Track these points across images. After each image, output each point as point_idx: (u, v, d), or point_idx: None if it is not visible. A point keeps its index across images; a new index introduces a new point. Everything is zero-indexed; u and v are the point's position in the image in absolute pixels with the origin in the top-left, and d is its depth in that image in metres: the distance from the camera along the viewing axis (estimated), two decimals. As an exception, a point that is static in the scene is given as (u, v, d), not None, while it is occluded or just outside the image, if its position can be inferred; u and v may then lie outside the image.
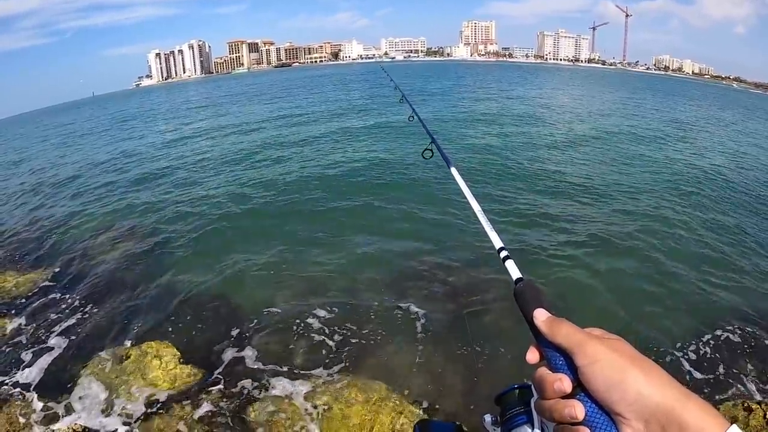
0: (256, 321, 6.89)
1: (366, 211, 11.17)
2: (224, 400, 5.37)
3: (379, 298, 7.33)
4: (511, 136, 20.95)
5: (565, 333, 0.78)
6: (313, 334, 6.48)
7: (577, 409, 0.71)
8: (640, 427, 0.66)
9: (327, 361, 5.96)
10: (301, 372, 5.77)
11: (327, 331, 6.56)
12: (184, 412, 5.16)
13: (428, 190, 12.37)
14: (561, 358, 0.78)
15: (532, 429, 0.83)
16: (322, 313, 7.01)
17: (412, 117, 3.31)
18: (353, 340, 6.35)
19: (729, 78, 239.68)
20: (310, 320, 6.81)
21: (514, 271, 0.98)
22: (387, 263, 8.44)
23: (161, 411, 5.24)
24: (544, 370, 0.79)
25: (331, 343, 6.31)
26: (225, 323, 6.87)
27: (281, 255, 8.97)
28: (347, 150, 18.26)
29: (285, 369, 5.85)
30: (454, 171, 1.70)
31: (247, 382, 5.65)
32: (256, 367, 5.92)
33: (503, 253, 1.07)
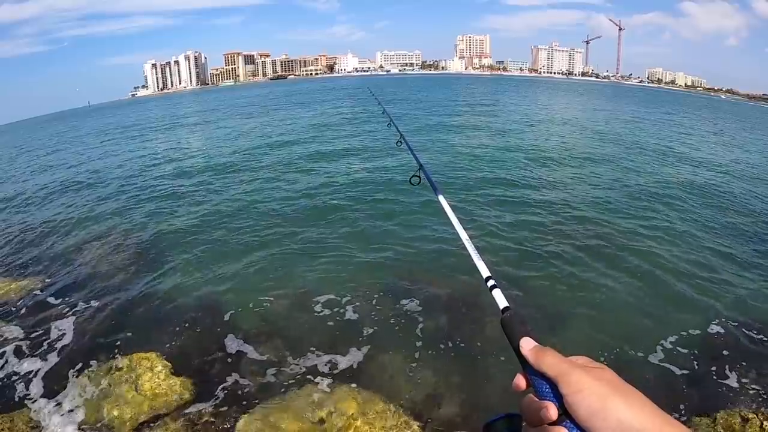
0: (249, 332, 6.85)
1: (362, 227, 11.15)
2: (217, 412, 5.32)
3: (376, 312, 7.31)
4: (505, 150, 21.01)
5: (549, 362, 0.80)
6: (308, 347, 6.44)
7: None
8: None
9: (323, 373, 5.92)
10: (296, 384, 5.72)
11: (322, 343, 6.52)
12: (176, 425, 5.12)
13: (430, 207, 12.39)
14: (547, 385, 0.80)
15: None
16: (317, 325, 7.00)
17: (400, 142, 3.27)
18: (349, 353, 6.31)
19: (721, 90, 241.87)
20: (305, 333, 6.79)
21: (500, 300, 1.01)
22: (382, 278, 8.43)
23: (153, 423, 5.19)
24: (530, 398, 0.82)
25: (326, 355, 6.28)
26: (218, 334, 6.83)
27: (276, 268, 8.93)
28: (342, 169, 18.24)
29: (279, 381, 5.81)
30: (441, 199, 1.70)
31: (240, 394, 5.60)
32: (249, 379, 5.87)
33: (490, 282, 1.09)
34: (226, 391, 5.67)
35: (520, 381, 0.87)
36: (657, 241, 10.17)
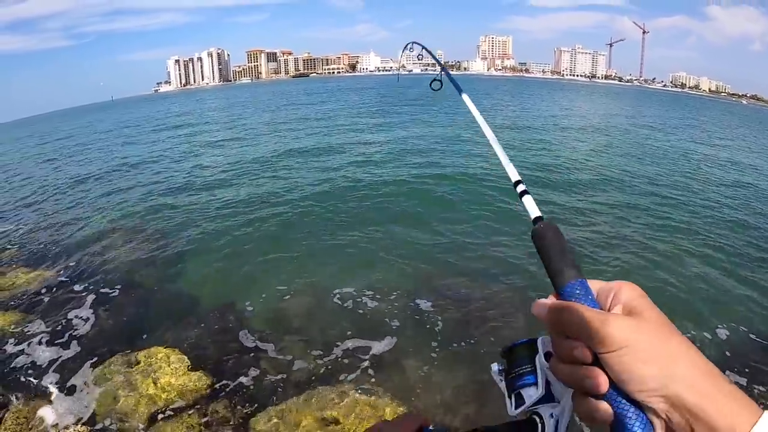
0: (267, 330, 6.85)
1: (383, 227, 11.10)
2: (232, 408, 5.32)
3: (393, 313, 7.25)
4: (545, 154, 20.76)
5: (576, 321, 0.66)
6: (324, 346, 6.42)
7: (600, 381, 0.63)
8: (665, 413, 0.60)
9: (338, 374, 5.88)
10: (311, 383, 5.70)
11: (339, 344, 6.49)
12: (192, 420, 5.13)
13: (448, 203, 12.33)
14: None
15: (538, 390, 0.76)
16: (334, 325, 6.96)
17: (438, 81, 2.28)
18: (365, 355, 6.27)
19: (746, 96, 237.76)
20: (322, 332, 6.77)
21: (532, 208, 0.87)
22: (401, 278, 8.38)
23: (169, 417, 5.21)
24: None
25: (342, 356, 6.25)
26: (236, 331, 6.84)
27: (295, 266, 8.94)
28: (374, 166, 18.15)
29: (294, 379, 5.79)
30: (465, 98, 1.54)
31: (256, 391, 5.60)
32: (265, 376, 5.87)
33: (520, 187, 0.94)
34: (242, 388, 5.67)
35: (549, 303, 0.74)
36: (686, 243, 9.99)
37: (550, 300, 0.73)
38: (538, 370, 0.77)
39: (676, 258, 9.49)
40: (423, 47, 2.58)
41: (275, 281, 8.33)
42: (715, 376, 0.59)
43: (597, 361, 0.64)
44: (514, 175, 1.00)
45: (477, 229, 10.59)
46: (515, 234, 10.21)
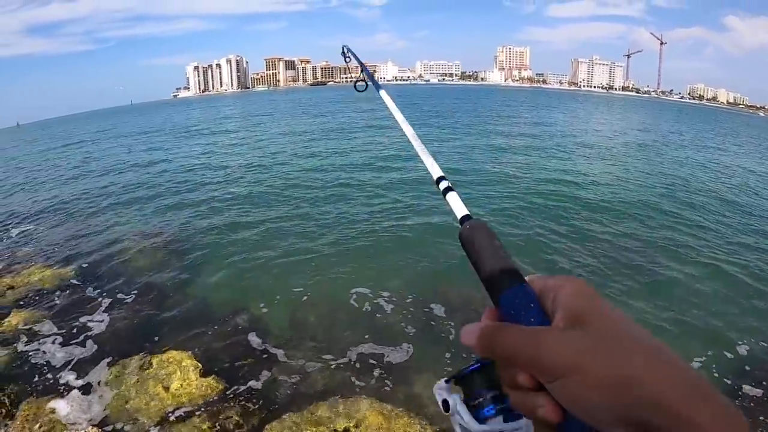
0: (279, 336, 6.81)
1: (399, 234, 11.08)
2: (243, 415, 5.27)
3: (406, 321, 7.18)
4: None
5: (510, 348, 0.55)
6: (338, 353, 6.35)
7: (551, 411, 0.52)
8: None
9: (352, 382, 5.81)
10: (323, 392, 5.63)
11: (353, 350, 6.42)
12: (203, 424, 5.08)
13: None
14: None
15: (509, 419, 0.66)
16: (347, 333, 6.90)
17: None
18: (380, 363, 6.19)
19: (764, 108, 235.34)
20: (334, 340, 6.71)
21: (458, 206, 0.77)
22: (415, 286, 8.29)
23: (181, 420, 5.17)
24: None
25: (356, 364, 6.18)
26: (249, 337, 6.80)
27: (310, 271, 8.92)
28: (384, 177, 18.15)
29: (306, 388, 5.73)
30: (383, 94, 1.53)
31: (267, 399, 5.54)
32: (277, 384, 5.81)
33: (443, 184, 0.84)
34: (253, 395, 5.61)
35: (488, 319, 0.63)
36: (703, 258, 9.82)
37: (482, 322, 0.62)
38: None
39: (696, 276, 9.34)
40: (349, 49, 2.54)
41: (289, 286, 8.31)
42: (694, 388, 0.45)
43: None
44: (435, 172, 0.90)
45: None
46: (536, 244, 10.11)
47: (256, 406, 5.44)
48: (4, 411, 5.24)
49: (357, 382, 5.83)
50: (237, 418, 5.21)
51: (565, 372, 0.49)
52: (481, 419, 0.66)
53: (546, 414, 0.52)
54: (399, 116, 1.28)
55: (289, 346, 6.57)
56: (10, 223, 13.92)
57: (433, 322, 7.12)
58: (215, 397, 5.54)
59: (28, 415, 5.23)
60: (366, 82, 2.02)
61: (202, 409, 5.35)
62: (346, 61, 2.57)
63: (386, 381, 5.87)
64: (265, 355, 6.39)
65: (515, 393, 0.56)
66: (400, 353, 6.40)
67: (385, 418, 5.12)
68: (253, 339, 6.73)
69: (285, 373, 6.01)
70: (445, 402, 0.69)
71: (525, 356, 0.52)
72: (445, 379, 0.71)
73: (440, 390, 0.70)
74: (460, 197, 0.79)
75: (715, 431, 0.43)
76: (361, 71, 2.05)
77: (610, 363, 0.47)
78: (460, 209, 0.76)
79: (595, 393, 0.47)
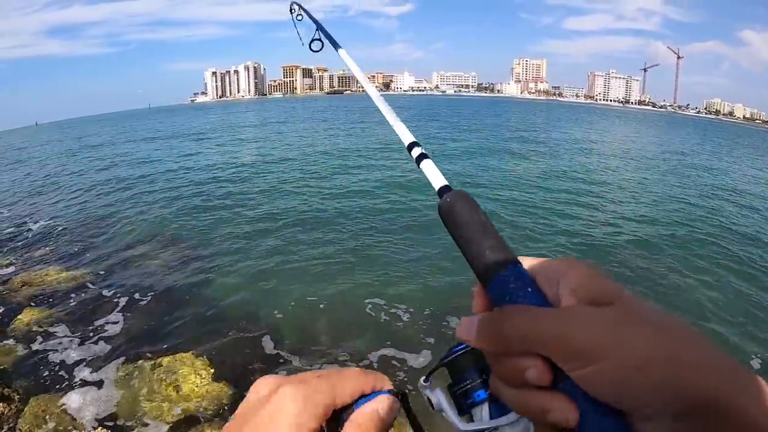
0: (294, 343, 6.70)
1: (418, 239, 10.97)
2: None
3: (424, 331, 7.06)
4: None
5: (524, 331, 0.45)
6: (354, 361, 6.24)
7: (571, 413, 0.43)
8: (666, 425, 0.40)
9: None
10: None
11: (369, 359, 6.32)
12: (213, 428, 5.01)
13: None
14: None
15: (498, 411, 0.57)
16: (365, 339, 6.80)
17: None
18: (396, 372, 6.05)
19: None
20: (351, 346, 6.59)
21: (435, 176, 0.67)
22: (436, 293, 8.19)
23: (189, 424, 5.10)
24: None
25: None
26: (262, 343, 6.70)
27: (326, 278, 8.84)
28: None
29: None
30: (342, 53, 1.43)
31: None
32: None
33: (416, 151, 0.74)
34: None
35: (479, 304, 0.55)
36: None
37: (477, 312, 0.54)
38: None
39: (709, 287, 9.13)
40: (299, 5, 2.21)
41: (305, 292, 8.20)
42: (739, 372, 0.41)
43: (560, 379, 0.44)
44: (407, 137, 0.80)
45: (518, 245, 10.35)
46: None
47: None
48: (13, 407, 5.19)
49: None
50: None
51: (603, 353, 0.41)
52: (469, 405, 0.59)
53: (562, 415, 0.43)
54: (362, 77, 1.24)
55: (302, 352, 6.47)
56: (30, 220, 14.05)
57: (450, 332, 6.98)
58: (226, 401, 5.45)
59: (37, 411, 5.19)
60: (321, 41, 1.86)
61: (212, 412, 5.28)
62: (295, 21, 2.27)
63: (403, 388, 5.73)
64: (278, 361, 6.30)
65: (518, 393, 0.47)
66: (418, 365, 6.26)
67: (396, 428, 4.99)
68: (267, 344, 6.64)
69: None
70: (428, 401, 0.63)
71: (550, 338, 0.43)
72: (424, 378, 0.65)
73: (422, 388, 0.65)
74: (436, 165, 0.69)
75: (763, 420, 0.38)
76: (317, 29, 1.86)
77: (655, 342, 0.41)
78: (437, 179, 0.66)
79: (644, 373, 0.39)
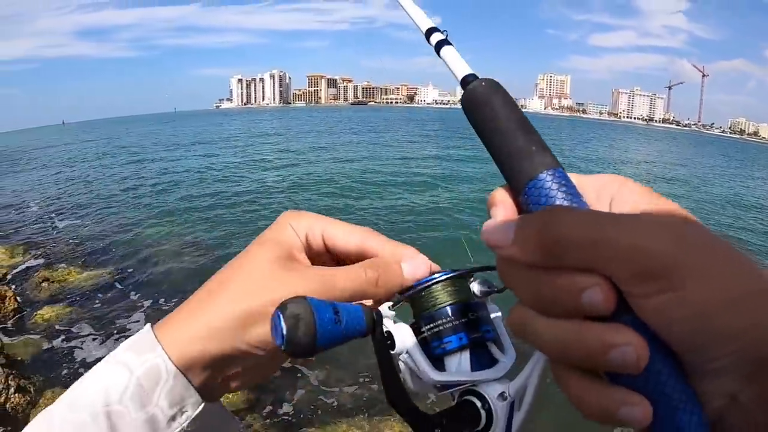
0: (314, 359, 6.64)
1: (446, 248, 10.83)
2: (267, 428, 5.17)
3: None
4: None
5: (582, 236, 0.32)
6: (368, 374, 6.14)
7: (641, 348, 0.31)
8: (735, 382, 0.30)
9: (384, 404, 5.59)
10: (350, 411, 5.47)
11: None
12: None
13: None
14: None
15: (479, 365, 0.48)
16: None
17: None
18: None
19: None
20: (367, 359, 6.50)
21: (458, 64, 0.53)
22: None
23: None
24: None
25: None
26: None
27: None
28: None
29: (332, 406, 5.58)
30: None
31: (291, 415, 5.42)
32: (303, 400, 5.68)
33: (435, 37, 0.61)
34: (278, 409, 5.49)
35: (500, 209, 0.42)
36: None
37: (512, 210, 0.41)
38: (501, 331, 0.52)
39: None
40: None
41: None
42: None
43: (621, 311, 0.32)
44: (424, 23, 0.66)
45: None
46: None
47: (281, 420, 5.32)
48: (27, 398, 5.19)
49: (387, 409, 5.60)
50: (262, 430, 5.12)
51: (688, 277, 0.30)
52: (440, 352, 0.49)
53: (632, 354, 0.30)
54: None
55: (318, 361, 6.36)
56: (57, 217, 14.18)
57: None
58: (241, 407, 5.40)
59: (50, 403, 5.17)
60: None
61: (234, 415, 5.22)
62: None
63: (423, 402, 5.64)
64: (293, 371, 6.21)
65: (559, 325, 0.34)
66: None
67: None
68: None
69: (313, 389, 5.87)
70: (389, 336, 0.49)
71: (621, 249, 0.31)
72: (390, 304, 0.52)
73: (383, 319, 0.49)
74: (459, 53, 0.57)
75: None
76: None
77: (750, 271, 0.31)
78: (460, 67, 0.53)
79: (733, 314, 0.29)
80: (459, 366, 0.48)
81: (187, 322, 0.51)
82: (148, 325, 0.52)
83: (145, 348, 0.49)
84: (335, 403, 5.60)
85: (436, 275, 0.51)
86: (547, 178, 0.39)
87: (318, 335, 0.39)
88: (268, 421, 5.28)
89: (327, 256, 0.56)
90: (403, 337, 0.49)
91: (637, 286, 0.30)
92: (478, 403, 0.46)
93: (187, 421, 0.51)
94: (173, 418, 0.49)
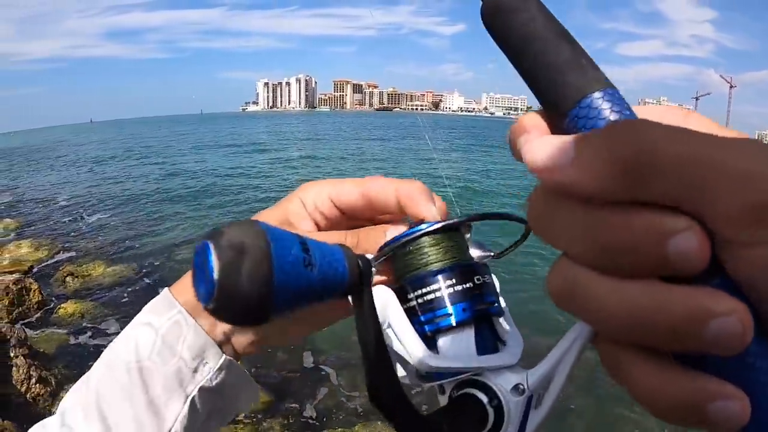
0: (333, 359, 6.52)
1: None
2: (285, 428, 5.13)
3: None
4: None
5: (678, 155, 0.21)
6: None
7: (745, 317, 0.20)
8: None
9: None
10: (369, 414, 5.31)
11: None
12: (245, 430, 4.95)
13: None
14: None
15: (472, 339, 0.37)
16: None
17: None
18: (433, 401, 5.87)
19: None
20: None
21: None
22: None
23: (222, 427, 5.01)
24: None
25: (414, 393, 5.86)
26: (302, 355, 6.57)
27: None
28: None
29: (353, 410, 5.49)
30: None
31: (311, 417, 5.37)
32: (324, 403, 5.62)
33: None
34: (298, 410, 5.45)
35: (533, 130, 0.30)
36: None
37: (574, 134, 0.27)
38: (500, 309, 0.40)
39: None
40: None
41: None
42: None
43: (711, 270, 0.21)
44: None
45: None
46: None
47: (300, 421, 5.27)
48: (48, 389, 5.18)
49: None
50: (281, 430, 5.07)
51: None
52: (430, 331, 0.38)
53: (737, 324, 0.20)
54: None
55: (340, 365, 6.29)
56: (86, 213, 14.36)
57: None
58: (261, 407, 5.34)
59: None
60: None
61: (246, 417, 5.18)
62: None
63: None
64: (316, 374, 6.18)
65: (636, 287, 0.22)
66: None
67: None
68: (307, 357, 6.50)
69: (333, 393, 5.80)
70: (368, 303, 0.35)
71: (739, 175, 0.20)
72: (373, 256, 0.37)
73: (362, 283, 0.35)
74: None
75: None
76: None
77: None
78: None
79: None
80: (460, 347, 0.37)
81: None
82: (166, 289, 0.56)
83: (165, 308, 0.54)
84: (359, 409, 5.50)
85: (424, 225, 0.39)
86: (604, 97, 0.29)
87: (276, 283, 0.25)
88: (286, 422, 5.23)
89: (343, 218, 0.54)
90: (385, 303, 0.37)
91: (746, 229, 0.20)
92: (485, 399, 0.35)
93: (210, 373, 0.53)
94: (196, 370, 0.52)
